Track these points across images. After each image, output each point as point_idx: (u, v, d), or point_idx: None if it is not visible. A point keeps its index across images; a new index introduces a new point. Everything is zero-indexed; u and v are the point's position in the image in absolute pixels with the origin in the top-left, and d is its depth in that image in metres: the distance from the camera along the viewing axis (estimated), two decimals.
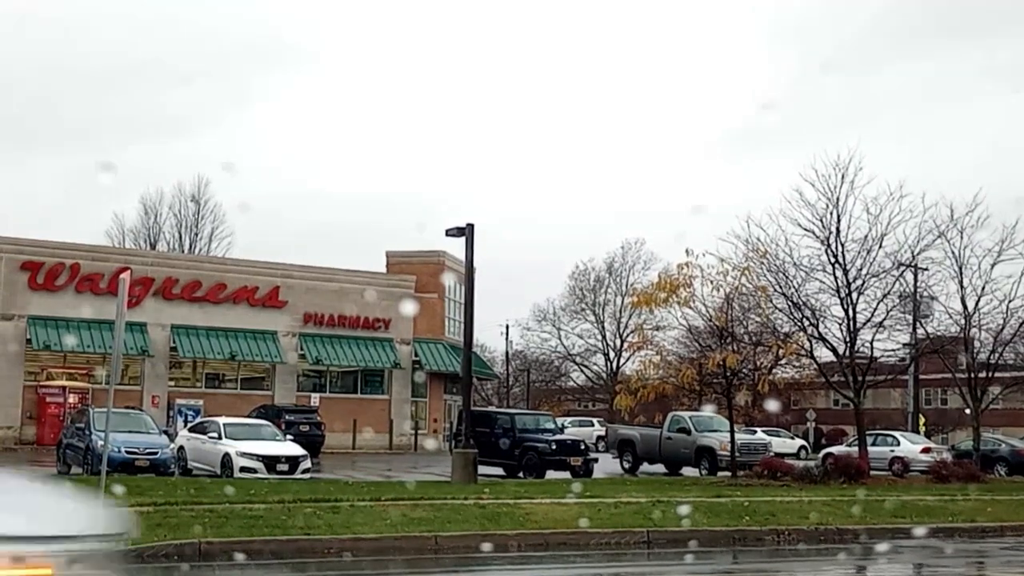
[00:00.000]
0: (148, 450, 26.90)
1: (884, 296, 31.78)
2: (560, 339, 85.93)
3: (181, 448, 29.93)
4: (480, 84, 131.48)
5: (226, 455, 27.47)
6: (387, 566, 15.53)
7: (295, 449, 28.53)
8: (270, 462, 27.03)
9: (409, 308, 50.69)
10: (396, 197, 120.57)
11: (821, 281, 31.51)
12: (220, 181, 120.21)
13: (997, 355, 36.31)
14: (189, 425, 33.88)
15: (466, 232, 28.44)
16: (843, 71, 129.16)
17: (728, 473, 32.11)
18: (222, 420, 30.24)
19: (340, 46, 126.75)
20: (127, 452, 26.41)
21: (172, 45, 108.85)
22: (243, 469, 26.78)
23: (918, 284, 35.05)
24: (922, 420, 55.46)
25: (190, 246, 71.50)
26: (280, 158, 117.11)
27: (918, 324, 36.53)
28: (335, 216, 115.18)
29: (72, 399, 42.97)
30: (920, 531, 20.07)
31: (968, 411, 40.96)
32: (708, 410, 31.09)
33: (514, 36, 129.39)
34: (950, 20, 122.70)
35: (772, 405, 35.71)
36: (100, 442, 22.98)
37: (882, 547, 19.15)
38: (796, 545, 18.54)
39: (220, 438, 28.37)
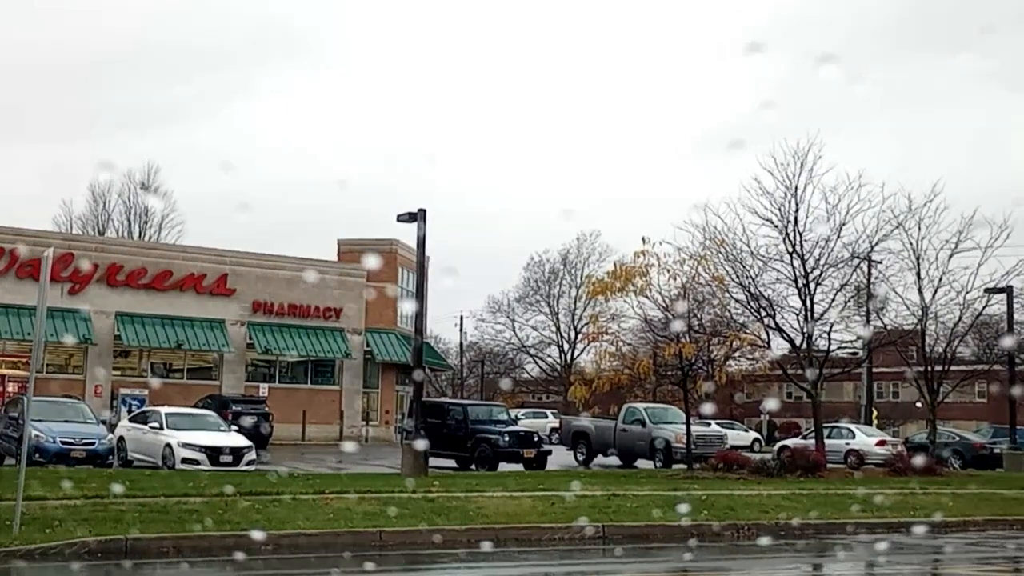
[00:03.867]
0: (85, 440, 26.04)
1: (842, 287, 31.41)
2: (514, 331, 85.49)
3: (121, 439, 28.99)
4: (436, 74, 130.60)
5: (167, 446, 26.54)
6: (327, 563, 14.70)
7: (239, 440, 27.63)
8: (213, 453, 26.16)
9: (361, 297, 49.77)
10: (349, 189, 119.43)
11: (778, 271, 31.08)
12: (170, 171, 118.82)
13: (952, 348, 36.06)
14: (131, 415, 32.81)
15: (418, 217, 27.64)
16: (814, 74, 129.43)
17: (683, 466, 31.62)
18: (164, 410, 29.30)
19: (293, 38, 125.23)
20: (63, 443, 25.61)
21: (126, 40, 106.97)
22: (185, 460, 25.89)
23: (873, 276, 34.71)
24: (875, 413, 55.42)
25: (140, 234, 70.11)
26: (233, 149, 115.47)
27: (874, 316, 36.17)
28: (287, 208, 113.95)
29: (12, 388, 41.70)
30: (882, 526, 19.59)
31: (920, 404, 40.76)
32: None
33: (472, 29, 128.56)
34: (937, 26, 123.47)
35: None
36: (32, 432, 22.14)
37: (844, 542, 18.67)
38: (756, 540, 17.95)
39: (162, 428, 27.43)
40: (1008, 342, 36.93)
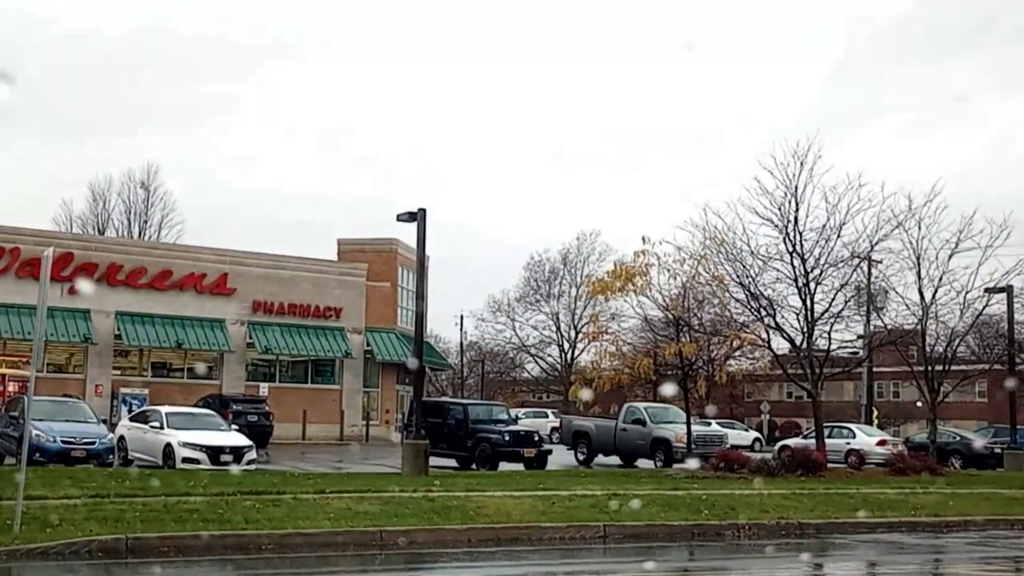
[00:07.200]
0: (85, 440, 25.98)
1: (842, 287, 31.35)
2: (515, 330, 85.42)
3: (122, 438, 28.89)
4: (435, 75, 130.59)
5: (168, 445, 26.44)
6: (327, 563, 14.71)
7: (240, 440, 27.56)
8: (213, 453, 26.05)
9: (361, 297, 49.72)
10: (351, 189, 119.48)
11: (778, 271, 31.03)
12: (169, 171, 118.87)
13: (952, 348, 36.04)
14: (131, 414, 32.76)
15: (418, 217, 27.61)
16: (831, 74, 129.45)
17: (684, 465, 31.59)
18: (164, 409, 29.22)
19: (292, 39, 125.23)
20: (63, 442, 25.54)
21: (132, 40, 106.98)
22: (185, 460, 25.79)
23: (873, 276, 34.66)
24: (875, 412, 55.35)
25: (139, 233, 70.11)
26: (234, 152, 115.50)
27: (874, 316, 36.13)
28: (288, 210, 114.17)
29: (12, 387, 41.64)
30: (883, 525, 19.57)
31: (920, 403, 40.68)
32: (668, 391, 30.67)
33: (475, 26, 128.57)
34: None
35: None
36: (33, 431, 22.09)
37: (844, 541, 18.67)
38: (756, 540, 17.93)
39: (162, 428, 27.33)
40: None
